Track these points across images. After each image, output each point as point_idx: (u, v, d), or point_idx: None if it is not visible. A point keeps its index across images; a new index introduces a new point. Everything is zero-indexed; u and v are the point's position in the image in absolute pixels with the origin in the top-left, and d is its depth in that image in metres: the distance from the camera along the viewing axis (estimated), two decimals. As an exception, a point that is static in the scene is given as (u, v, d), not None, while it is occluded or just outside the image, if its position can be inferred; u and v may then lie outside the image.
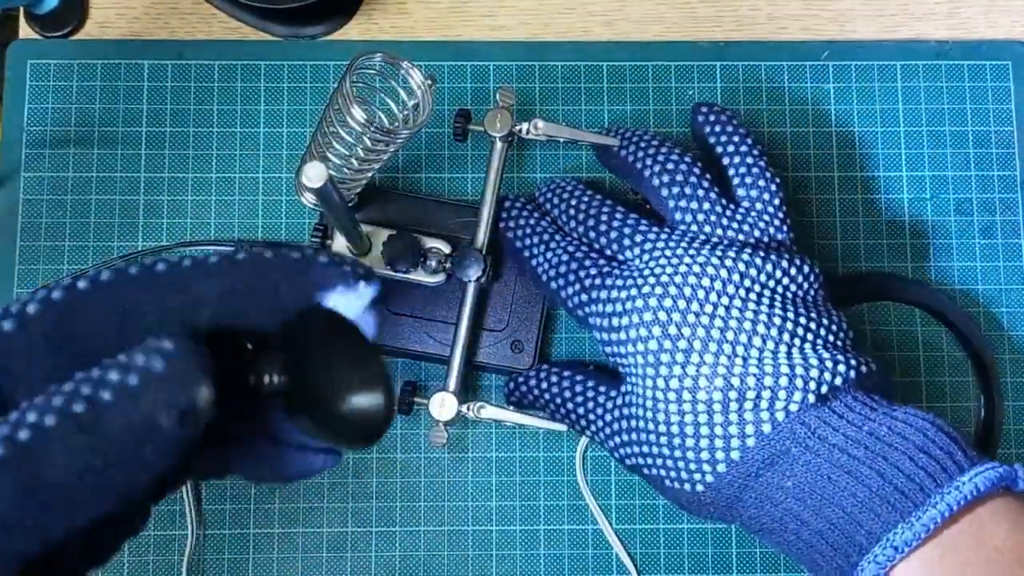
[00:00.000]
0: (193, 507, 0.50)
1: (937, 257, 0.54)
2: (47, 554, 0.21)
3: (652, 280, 0.43)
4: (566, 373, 0.48)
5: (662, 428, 0.42)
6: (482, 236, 0.49)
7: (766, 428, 0.40)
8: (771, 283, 0.43)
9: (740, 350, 0.41)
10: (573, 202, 0.49)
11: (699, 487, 0.41)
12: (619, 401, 0.45)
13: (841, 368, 0.40)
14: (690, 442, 0.41)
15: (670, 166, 0.47)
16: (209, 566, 0.50)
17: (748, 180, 0.46)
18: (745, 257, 0.43)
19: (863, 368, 0.41)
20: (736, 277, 0.43)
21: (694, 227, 0.45)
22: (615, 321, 0.44)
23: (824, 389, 0.40)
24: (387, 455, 0.52)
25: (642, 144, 0.48)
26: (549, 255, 0.48)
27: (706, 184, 0.46)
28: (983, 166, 0.55)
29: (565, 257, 0.47)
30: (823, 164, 0.54)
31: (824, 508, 0.38)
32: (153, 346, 0.21)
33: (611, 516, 0.51)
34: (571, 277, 0.47)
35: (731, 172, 0.47)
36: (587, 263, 0.47)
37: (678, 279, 0.43)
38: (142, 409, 0.20)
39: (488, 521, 0.51)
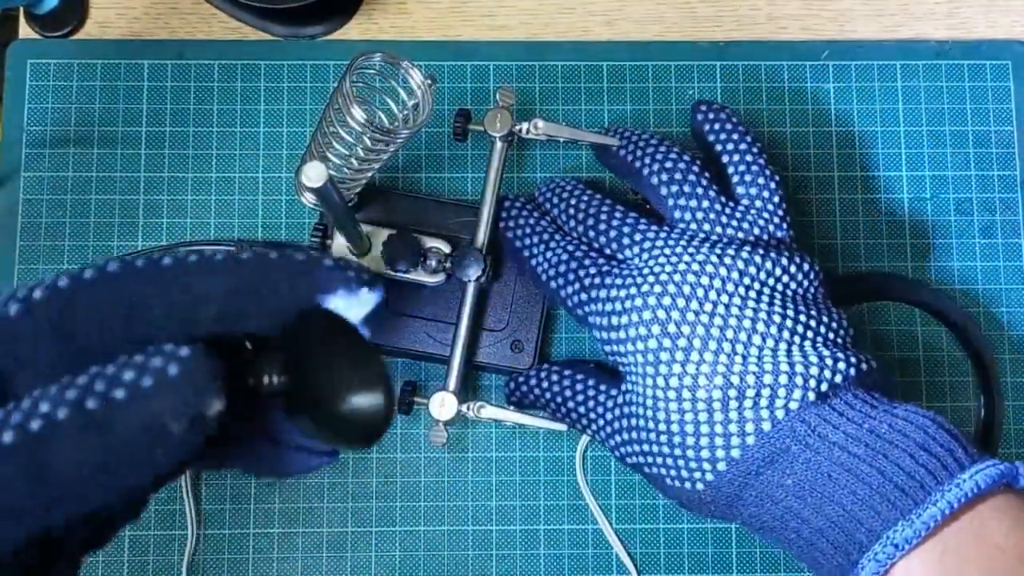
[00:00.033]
0: (193, 507, 0.50)
1: (937, 257, 0.54)
2: (45, 537, 0.21)
3: (651, 279, 0.43)
4: (566, 372, 0.48)
5: (662, 427, 0.42)
6: (482, 236, 0.49)
7: (766, 426, 0.40)
8: (771, 281, 0.43)
9: (740, 348, 0.41)
10: (573, 201, 0.49)
11: (700, 485, 0.41)
12: (619, 400, 0.45)
13: (841, 366, 0.40)
14: (690, 440, 0.41)
15: (669, 164, 0.47)
16: (209, 566, 0.50)
17: (748, 178, 0.47)
18: (745, 255, 0.43)
19: (863, 365, 0.41)
20: (736, 275, 0.43)
21: (693, 225, 0.46)
22: (614, 320, 0.44)
23: (824, 387, 0.40)
24: (387, 455, 0.52)
25: (641, 143, 0.48)
26: (549, 255, 0.48)
27: (705, 182, 0.46)
28: (983, 166, 0.55)
29: (565, 256, 0.47)
30: (823, 164, 0.54)
31: (824, 506, 0.38)
32: (169, 350, 0.21)
33: (611, 516, 0.51)
34: (571, 276, 0.47)
35: (730, 170, 0.47)
36: (586, 262, 0.47)
37: (677, 277, 0.43)
38: (153, 412, 0.20)
39: (488, 521, 0.51)
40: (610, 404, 0.46)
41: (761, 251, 0.44)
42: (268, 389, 0.22)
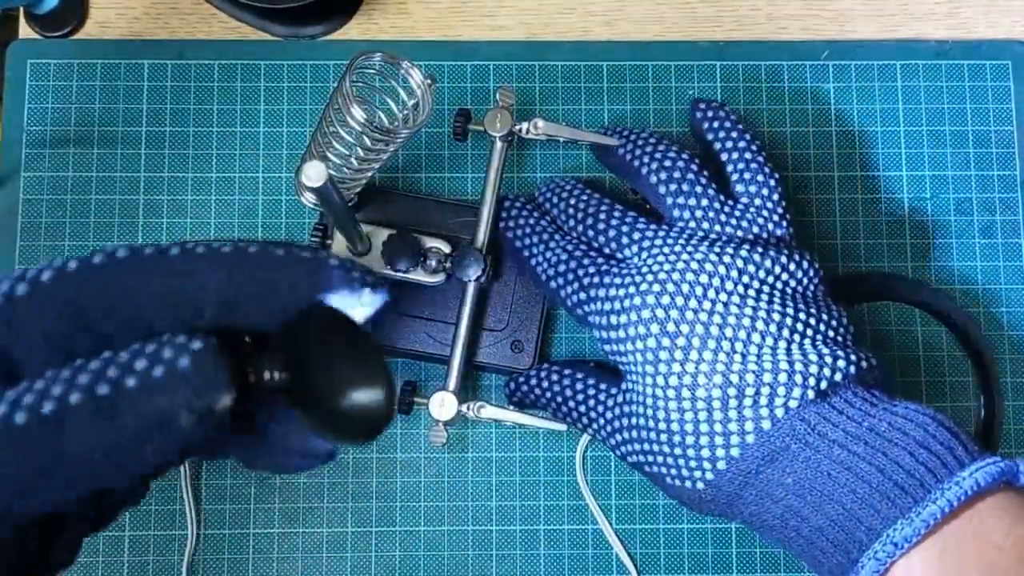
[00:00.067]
0: (193, 507, 0.50)
1: (937, 257, 0.54)
2: (46, 519, 0.22)
3: (650, 277, 0.43)
4: (566, 372, 0.48)
5: (662, 426, 0.42)
6: (482, 236, 0.49)
7: (766, 425, 0.40)
8: (770, 279, 0.43)
9: (739, 346, 0.41)
10: (572, 201, 0.49)
11: (700, 484, 0.41)
12: (620, 399, 0.45)
13: (841, 364, 0.40)
14: (690, 439, 0.41)
15: (667, 163, 0.47)
16: (209, 566, 0.50)
17: (747, 176, 0.47)
18: (744, 253, 0.43)
19: (863, 363, 0.41)
20: (735, 273, 0.43)
21: (693, 224, 0.46)
22: (614, 319, 0.44)
23: (824, 385, 0.40)
24: (387, 455, 0.52)
25: (640, 142, 0.48)
26: (548, 254, 0.48)
27: (704, 181, 0.46)
28: (983, 166, 0.55)
29: (564, 256, 0.47)
30: (823, 164, 0.54)
31: (824, 504, 0.38)
32: (181, 342, 0.21)
33: (611, 516, 0.51)
34: (570, 276, 0.47)
35: (729, 168, 0.47)
36: (586, 262, 0.47)
37: (676, 276, 0.43)
38: (163, 404, 0.21)
39: (488, 521, 0.51)
40: (610, 403, 0.46)
41: (760, 249, 0.44)
42: (269, 385, 0.22)
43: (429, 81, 0.44)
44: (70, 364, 0.21)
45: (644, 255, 0.45)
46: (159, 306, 0.23)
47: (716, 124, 0.48)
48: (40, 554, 0.24)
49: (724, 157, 0.47)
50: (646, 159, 0.47)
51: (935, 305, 0.52)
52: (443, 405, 0.47)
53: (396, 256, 0.48)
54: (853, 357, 0.41)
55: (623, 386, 0.45)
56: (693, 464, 0.41)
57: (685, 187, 0.46)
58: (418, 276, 0.49)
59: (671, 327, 0.42)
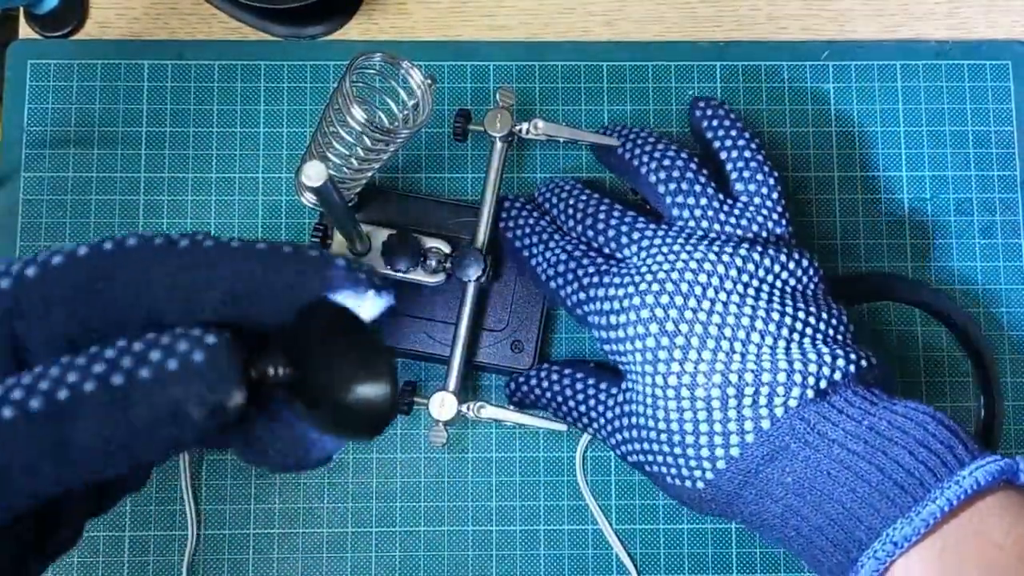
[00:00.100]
0: (193, 507, 0.50)
1: (937, 257, 0.54)
2: (50, 502, 0.22)
3: (649, 277, 0.43)
4: (567, 371, 0.48)
5: (662, 425, 0.42)
6: (482, 236, 0.49)
7: (765, 424, 0.40)
8: (769, 277, 0.43)
9: (738, 346, 0.41)
10: (572, 201, 0.49)
11: (700, 484, 0.41)
12: (620, 399, 0.45)
13: (840, 363, 0.40)
14: (690, 439, 0.41)
15: (666, 162, 0.47)
16: (209, 566, 0.50)
17: (746, 174, 0.47)
18: (743, 252, 0.43)
19: (863, 362, 0.41)
20: (733, 272, 0.43)
21: (692, 223, 0.46)
22: (613, 319, 0.44)
23: (823, 384, 0.40)
24: (387, 455, 0.52)
25: (639, 142, 0.48)
26: (548, 255, 0.48)
27: (703, 180, 0.46)
28: (983, 166, 0.55)
29: (564, 256, 0.47)
30: (823, 164, 0.54)
31: (824, 504, 0.38)
32: (196, 335, 0.21)
33: (611, 516, 0.51)
34: (569, 276, 0.47)
35: (729, 167, 0.47)
36: (585, 262, 0.47)
37: (675, 275, 0.43)
38: (175, 397, 0.21)
39: (488, 521, 0.51)
40: (611, 403, 0.46)
41: (760, 248, 0.44)
42: (273, 380, 0.22)
43: (429, 81, 0.44)
44: (84, 351, 0.21)
45: (643, 255, 0.45)
46: (167, 297, 0.23)
47: (715, 123, 0.48)
48: (42, 536, 0.24)
49: (723, 156, 0.47)
50: (645, 158, 0.47)
51: (935, 305, 0.52)
52: (443, 405, 0.47)
53: (396, 256, 0.48)
54: (853, 356, 0.41)
55: (623, 386, 0.45)
56: (693, 464, 0.41)
57: (684, 186, 0.46)
58: (418, 276, 0.49)
59: (670, 326, 0.42)
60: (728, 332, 0.41)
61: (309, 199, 0.48)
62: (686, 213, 0.46)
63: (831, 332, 0.42)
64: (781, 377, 0.40)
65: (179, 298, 0.23)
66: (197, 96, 0.54)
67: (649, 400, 0.43)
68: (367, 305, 0.24)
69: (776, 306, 0.42)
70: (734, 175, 0.47)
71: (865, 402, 0.40)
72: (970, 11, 0.56)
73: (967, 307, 0.53)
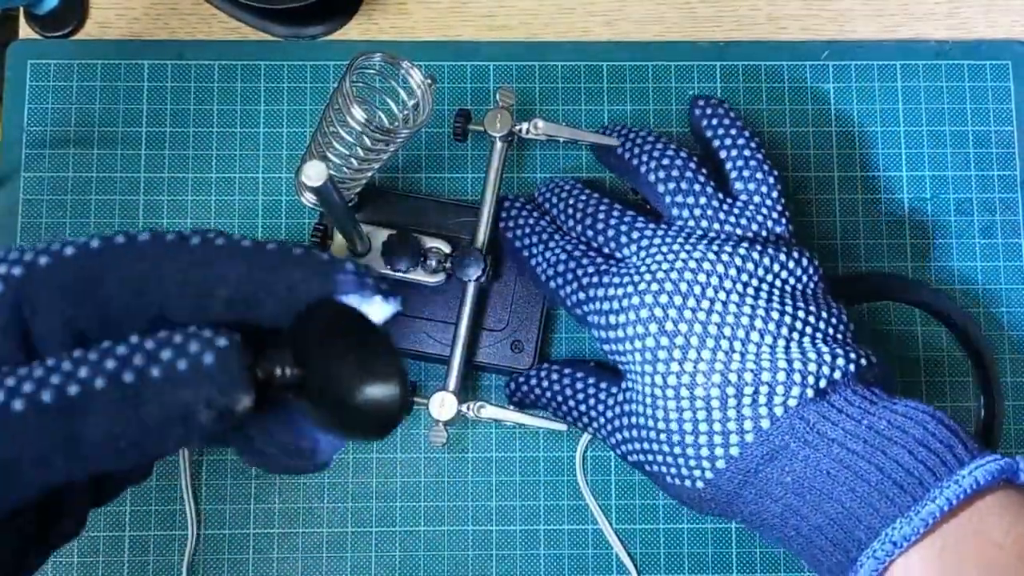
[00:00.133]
0: (193, 507, 0.50)
1: (937, 257, 0.54)
2: (53, 493, 0.22)
3: (648, 276, 0.43)
4: (567, 371, 0.48)
5: (661, 425, 0.42)
6: (482, 236, 0.49)
7: (764, 424, 0.40)
8: (769, 277, 0.43)
9: (738, 345, 0.41)
10: (571, 201, 0.49)
11: (699, 484, 0.41)
12: (620, 398, 0.45)
13: (840, 362, 0.40)
14: (689, 439, 0.41)
15: (666, 162, 0.47)
16: (209, 566, 0.50)
17: (745, 173, 0.47)
18: (742, 251, 0.43)
19: (863, 361, 0.41)
20: (733, 271, 0.43)
21: (691, 222, 0.45)
22: (612, 319, 0.44)
23: (823, 383, 0.40)
24: (387, 455, 0.52)
25: (639, 141, 0.48)
26: (548, 254, 0.48)
27: (702, 179, 0.46)
28: (983, 166, 0.55)
29: (563, 256, 0.47)
30: (823, 164, 0.54)
31: (823, 503, 0.38)
32: (207, 337, 0.22)
33: (611, 516, 0.51)
34: (569, 276, 0.47)
35: (728, 165, 0.47)
36: (584, 262, 0.47)
37: (674, 274, 0.43)
38: (184, 398, 0.21)
39: (488, 521, 0.51)
40: (610, 403, 0.46)
41: (759, 247, 0.43)
42: (280, 381, 0.22)
43: (429, 81, 0.44)
44: (96, 346, 0.21)
45: (643, 254, 0.45)
46: (178, 293, 0.23)
47: (715, 121, 0.48)
48: (44, 526, 0.25)
49: (723, 155, 0.47)
50: (645, 158, 0.47)
51: (935, 305, 0.52)
52: (443, 405, 0.47)
53: (396, 256, 0.48)
54: (853, 355, 0.41)
55: (623, 385, 0.45)
56: (693, 463, 0.41)
57: (684, 185, 0.46)
58: (418, 276, 0.49)
59: (670, 326, 0.42)
60: (728, 331, 0.41)
61: (309, 199, 0.48)
62: (686, 212, 0.46)
63: (831, 331, 0.42)
64: (781, 376, 0.40)
65: (190, 294, 0.23)
66: (197, 96, 0.54)
67: (649, 400, 0.43)
68: (374, 310, 0.24)
69: (776, 305, 0.42)
70: (734, 174, 0.47)
71: (865, 401, 0.40)
72: (970, 11, 0.56)
73: (967, 307, 0.53)
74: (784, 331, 0.41)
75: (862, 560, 0.36)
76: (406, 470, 0.51)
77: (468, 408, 0.48)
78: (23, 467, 0.21)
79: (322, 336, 0.22)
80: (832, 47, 0.55)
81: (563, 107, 0.54)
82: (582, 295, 0.46)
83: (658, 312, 0.42)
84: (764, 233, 0.45)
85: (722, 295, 0.42)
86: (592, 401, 0.47)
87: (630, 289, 0.44)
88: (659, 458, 0.43)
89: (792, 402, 0.40)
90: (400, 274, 0.48)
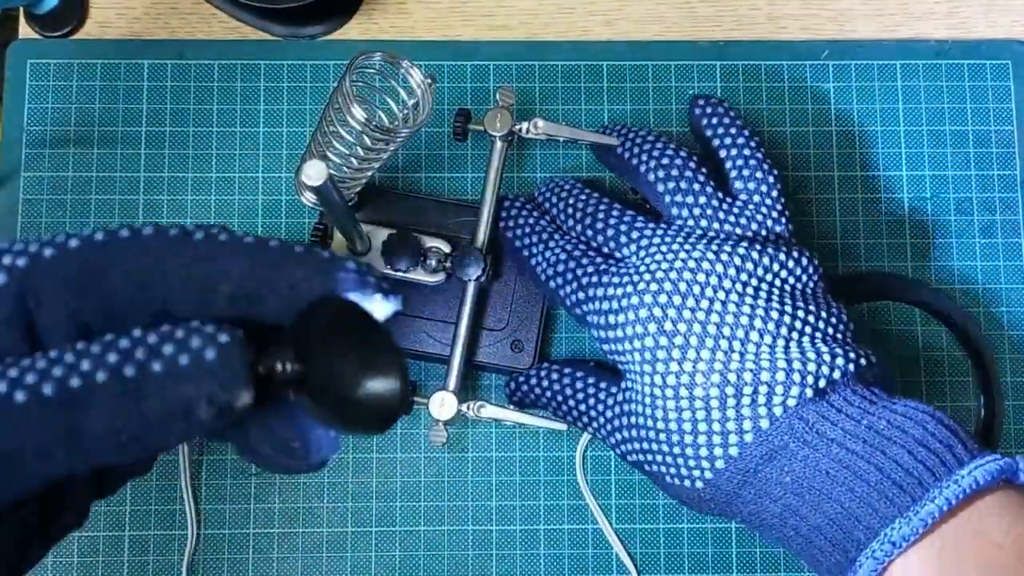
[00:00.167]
0: (193, 507, 0.50)
1: (937, 257, 0.54)
2: (55, 485, 0.22)
3: (647, 276, 0.43)
4: (566, 371, 0.48)
5: (660, 425, 0.42)
6: (482, 235, 0.49)
7: (764, 424, 0.40)
8: (768, 276, 0.43)
9: (737, 344, 0.41)
10: (571, 201, 0.49)
11: (699, 484, 0.41)
12: (619, 398, 0.45)
13: (839, 361, 0.40)
14: (688, 439, 0.41)
15: (665, 161, 0.47)
16: (209, 566, 0.50)
17: (745, 172, 0.46)
18: (741, 251, 0.43)
19: (862, 361, 0.41)
20: (732, 271, 0.43)
21: (691, 222, 0.45)
22: (612, 319, 0.44)
23: (822, 383, 0.40)
24: (387, 455, 0.52)
25: (638, 140, 0.48)
26: (548, 254, 0.48)
27: (702, 178, 0.46)
28: (983, 165, 0.55)
29: (563, 256, 0.47)
30: (823, 164, 0.54)
31: (822, 503, 0.38)
32: (209, 332, 0.22)
33: (611, 516, 0.51)
34: (569, 276, 0.47)
35: (728, 165, 0.47)
36: (584, 261, 0.47)
37: (673, 274, 0.43)
38: (185, 393, 0.21)
39: (488, 521, 0.51)
40: (610, 402, 0.46)
41: (759, 246, 0.43)
42: (281, 377, 0.22)
43: (429, 81, 0.44)
44: (99, 339, 0.22)
45: (643, 254, 0.45)
46: (182, 288, 0.23)
47: (715, 120, 0.48)
48: (46, 519, 0.25)
49: (723, 154, 0.47)
50: (644, 157, 0.47)
51: (935, 305, 0.52)
52: (443, 405, 0.47)
53: (396, 256, 0.48)
54: (852, 355, 0.41)
55: (622, 385, 0.45)
56: (692, 463, 0.41)
57: (683, 185, 0.46)
58: (418, 276, 0.49)
59: (669, 326, 0.42)
60: (727, 331, 0.41)
61: (309, 199, 0.48)
62: (685, 212, 0.46)
63: (831, 331, 0.42)
64: (780, 376, 0.40)
65: (194, 289, 0.23)
66: (197, 96, 0.54)
67: (648, 399, 0.43)
68: (375, 308, 0.24)
69: (775, 305, 0.42)
70: (733, 173, 0.47)
71: (864, 401, 0.40)
72: (970, 11, 0.56)
73: (967, 307, 0.53)
74: (784, 331, 0.41)
75: (861, 560, 0.36)
76: (406, 470, 0.51)
77: (468, 408, 0.48)
78: (25, 458, 0.21)
79: (324, 333, 0.22)
80: (832, 47, 0.55)
81: (563, 107, 0.54)
82: (582, 295, 0.46)
83: (657, 312, 0.42)
84: (764, 233, 0.45)
85: (722, 295, 0.42)
86: (592, 401, 0.47)
87: (629, 289, 0.44)
88: (658, 458, 0.43)
89: (791, 402, 0.40)
90: (400, 274, 0.48)
